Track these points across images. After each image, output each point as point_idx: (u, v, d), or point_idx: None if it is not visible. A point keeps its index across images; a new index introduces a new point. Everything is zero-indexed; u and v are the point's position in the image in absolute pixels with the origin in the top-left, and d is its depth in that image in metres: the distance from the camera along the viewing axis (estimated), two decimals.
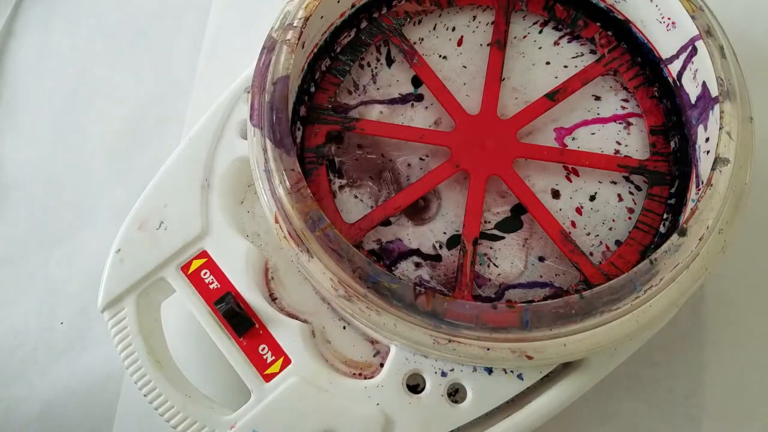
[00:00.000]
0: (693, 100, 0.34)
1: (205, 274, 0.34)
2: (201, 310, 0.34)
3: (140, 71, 0.50)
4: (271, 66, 0.33)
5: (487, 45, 0.37)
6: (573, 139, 0.35)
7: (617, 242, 0.34)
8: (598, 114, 0.36)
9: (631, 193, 0.34)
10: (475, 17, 0.38)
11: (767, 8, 0.46)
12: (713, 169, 0.30)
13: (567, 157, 0.35)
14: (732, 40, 0.33)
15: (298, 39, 0.33)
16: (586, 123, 0.36)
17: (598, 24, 0.38)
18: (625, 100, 0.36)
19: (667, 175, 0.35)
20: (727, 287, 0.40)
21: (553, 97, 0.36)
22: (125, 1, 0.53)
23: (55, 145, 0.49)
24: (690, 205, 0.32)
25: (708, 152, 0.32)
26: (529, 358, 0.29)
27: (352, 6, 0.37)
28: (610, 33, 0.38)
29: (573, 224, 0.34)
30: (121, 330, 0.34)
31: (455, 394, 0.31)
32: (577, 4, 0.38)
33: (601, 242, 0.34)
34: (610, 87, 0.37)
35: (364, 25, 0.38)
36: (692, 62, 0.33)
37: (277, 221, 0.31)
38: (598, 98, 0.36)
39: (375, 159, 0.35)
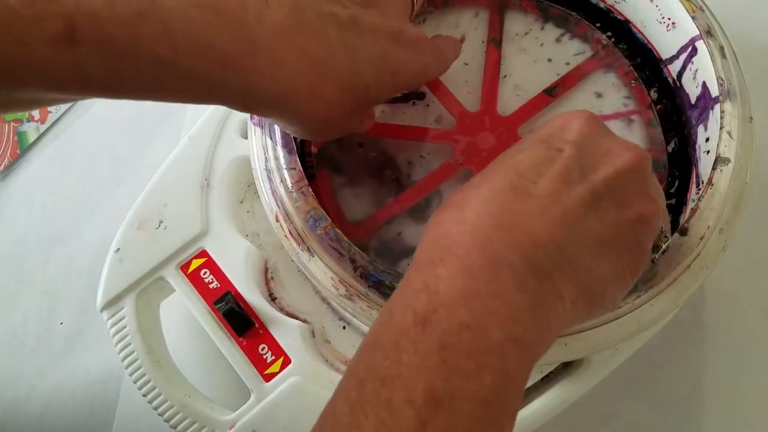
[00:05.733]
0: (693, 100, 0.34)
1: (204, 273, 0.34)
2: (200, 310, 0.34)
3: None
4: None
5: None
6: None
7: None
8: (600, 111, 0.36)
9: None
10: (477, 14, 0.38)
11: (767, 8, 0.46)
12: (714, 168, 0.29)
13: None
14: (732, 40, 0.33)
15: None
16: None
17: (597, 24, 0.38)
18: (628, 98, 0.36)
19: (667, 165, 0.35)
20: (727, 287, 0.40)
21: (552, 92, 0.35)
22: None
23: (54, 144, 0.49)
24: (690, 204, 0.32)
25: (708, 152, 0.32)
26: None
27: None
28: (609, 34, 0.38)
29: None
30: (120, 330, 0.34)
31: None
32: (576, 4, 0.38)
33: None
34: (612, 84, 0.36)
35: None
36: (692, 62, 0.33)
37: (277, 220, 0.31)
38: (600, 95, 0.36)
39: (376, 157, 0.35)
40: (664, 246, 0.27)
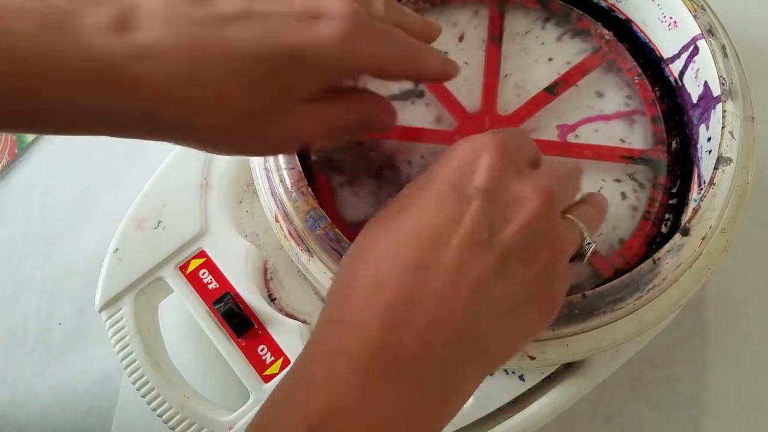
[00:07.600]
0: (695, 99, 0.34)
1: (203, 273, 0.34)
2: (199, 311, 0.34)
3: None
4: None
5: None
6: (576, 136, 0.35)
7: (621, 241, 0.33)
8: (602, 111, 0.36)
9: (635, 191, 0.34)
10: (476, 12, 0.38)
11: None
12: (716, 168, 0.29)
13: (569, 150, 0.34)
14: (733, 39, 0.33)
15: None
16: (589, 120, 0.35)
17: (595, 19, 0.38)
18: (629, 97, 0.36)
19: (670, 164, 0.34)
20: (728, 287, 0.40)
21: (553, 90, 0.35)
22: None
23: (52, 145, 0.49)
24: (692, 205, 0.32)
25: (710, 152, 0.31)
26: (531, 358, 0.28)
27: None
28: (610, 32, 0.37)
29: None
30: (119, 330, 0.34)
31: None
32: (578, 2, 0.38)
33: (605, 241, 0.33)
34: (614, 84, 0.36)
35: None
36: (694, 61, 0.33)
37: (277, 220, 0.31)
38: (601, 95, 0.36)
39: (375, 157, 0.35)
40: (588, 253, 0.26)
